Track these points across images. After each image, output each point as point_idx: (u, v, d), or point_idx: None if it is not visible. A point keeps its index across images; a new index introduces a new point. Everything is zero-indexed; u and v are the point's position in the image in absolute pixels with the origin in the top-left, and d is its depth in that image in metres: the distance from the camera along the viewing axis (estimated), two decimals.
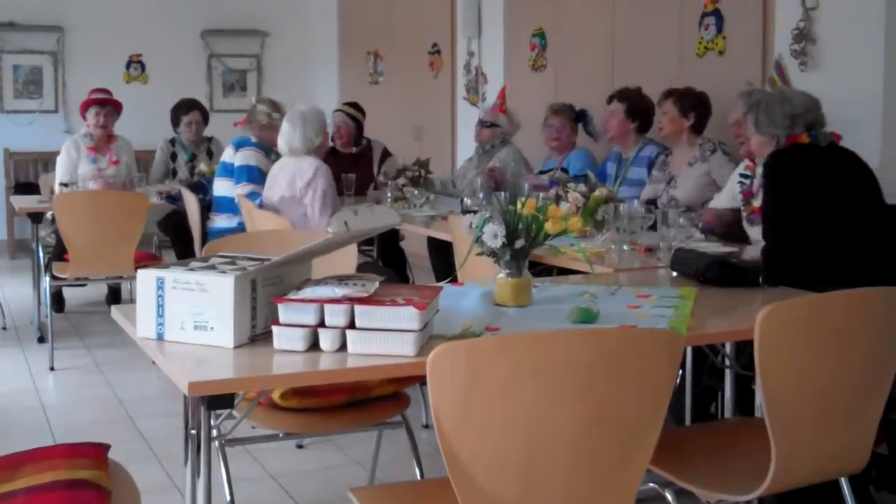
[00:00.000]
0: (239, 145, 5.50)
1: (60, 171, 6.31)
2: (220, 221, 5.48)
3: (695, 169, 4.71)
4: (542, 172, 5.72)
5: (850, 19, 4.48)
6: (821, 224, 3.19)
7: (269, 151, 5.45)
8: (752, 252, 3.48)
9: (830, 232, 3.19)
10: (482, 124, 6.11)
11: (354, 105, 6.70)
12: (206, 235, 5.49)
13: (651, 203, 4.19)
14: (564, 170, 5.56)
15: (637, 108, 5.27)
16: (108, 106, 6.42)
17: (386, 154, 6.60)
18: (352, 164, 6.34)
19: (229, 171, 5.46)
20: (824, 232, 3.19)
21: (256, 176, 5.28)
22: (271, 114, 5.58)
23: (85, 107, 6.43)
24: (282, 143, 5.02)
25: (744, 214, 4.01)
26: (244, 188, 5.29)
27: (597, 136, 5.81)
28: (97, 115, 6.36)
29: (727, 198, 4.26)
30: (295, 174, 4.91)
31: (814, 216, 3.19)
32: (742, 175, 4.17)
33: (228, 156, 5.54)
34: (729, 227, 4.07)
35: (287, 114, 5.10)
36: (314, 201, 4.84)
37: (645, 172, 5.13)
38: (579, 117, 5.80)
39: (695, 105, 4.82)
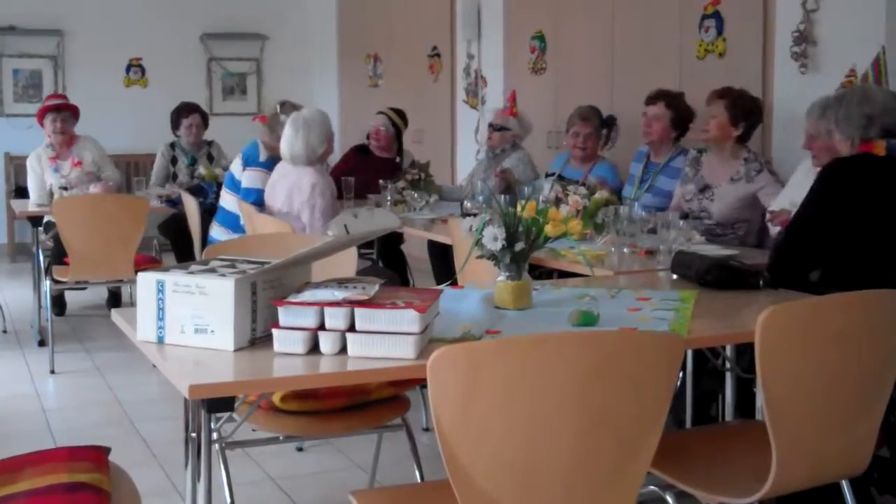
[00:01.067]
0: (247, 162, 5.40)
1: (33, 194, 6.26)
2: (220, 235, 5.40)
3: (737, 187, 4.44)
4: (549, 175, 5.62)
5: (851, 21, 4.49)
6: (856, 244, 3.08)
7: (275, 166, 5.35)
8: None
9: (864, 254, 3.09)
10: (492, 128, 6.04)
11: (399, 112, 6.58)
12: (206, 239, 5.48)
13: (684, 218, 3.97)
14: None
15: (682, 117, 5.02)
16: (63, 111, 6.36)
17: (413, 165, 6.52)
18: (383, 169, 6.18)
19: (236, 187, 5.39)
20: (857, 253, 3.09)
21: (262, 201, 5.20)
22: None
23: (41, 115, 6.36)
24: (284, 147, 4.94)
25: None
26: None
27: (614, 141, 5.59)
28: (54, 122, 6.29)
29: (788, 199, 4.08)
30: (293, 188, 4.85)
31: (851, 236, 3.08)
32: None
33: (237, 169, 5.42)
34: None
35: (291, 117, 4.99)
36: (312, 219, 4.80)
37: (674, 184, 4.86)
38: (606, 123, 5.53)
39: (748, 113, 4.50)
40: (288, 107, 5.47)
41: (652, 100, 5.04)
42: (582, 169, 5.47)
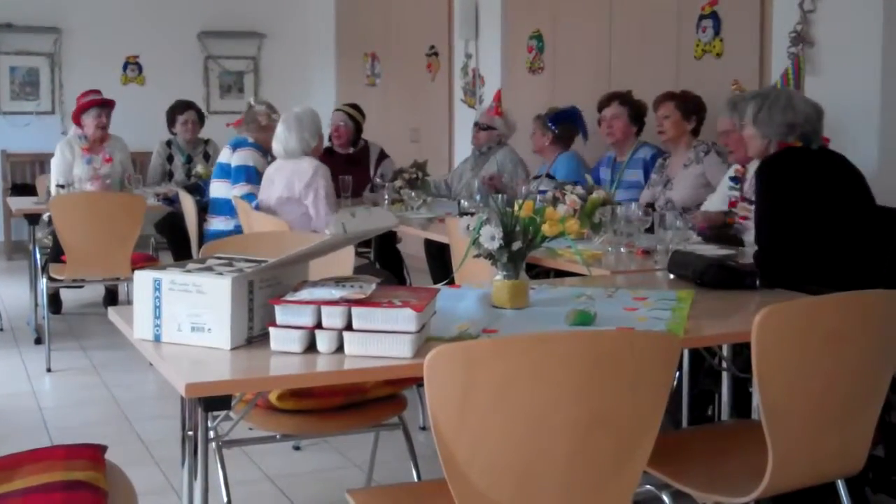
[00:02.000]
0: (236, 146, 5.49)
1: (56, 173, 6.28)
2: (216, 224, 5.47)
3: (690, 171, 4.75)
4: (536, 178, 5.70)
5: (848, 22, 4.49)
6: (813, 226, 3.18)
7: (267, 153, 5.43)
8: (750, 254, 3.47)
9: (823, 234, 3.19)
10: (478, 127, 6.13)
11: (355, 106, 6.68)
12: (202, 237, 5.49)
13: (650, 207, 4.19)
14: (551, 176, 5.48)
15: (638, 112, 5.29)
16: (107, 106, 6.39)
17: (383, 156, 6.60)
18: (348, 165, 6.32)
19: (226, 173, 5.45)
20: (817, 234, 3.18)
21: (254, 176, 5.28)
22: (270, 114, 5.55)
23: (83, 109, 6.36)
24: (277, 146, 5.00)
25: (735, 223, 4.03)
26: (241, 189, 5.29)
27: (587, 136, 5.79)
28: (99, 117, 6.30)
29: (719, 200, 4.28)
30: (293, 175, 4.90)
31: (806, 219, 3.18)
32: (731, 178, 4.19)
33: (225, 157, 5.52)
34: (720, 230, 4.07)
35: (281, 116, 5.08)
36: (317, 201, 4.83)
37: (640, 174, 5.14)
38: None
39: (696, 109, 4.86)
40: (263, 101, 5.63)
41: (605, 103, 5.32)
42: (547, 160, 5.71)
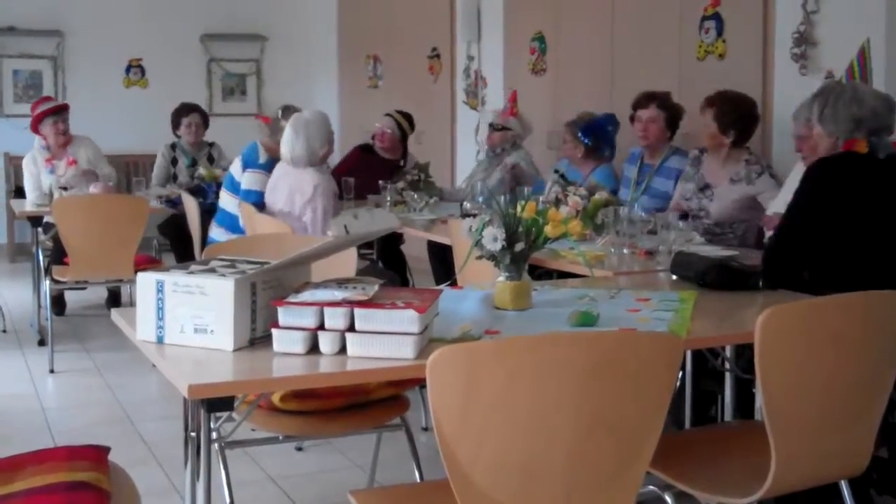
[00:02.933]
0: (246, 164, 5.39)
1: (29, 191, 6.24)
2: (220, 235, 5.40)
3: (737, 188, 4.47)
4: (555, 172, 5.61)
5: (851, 23, 4.49)
6: (845, 243, 3.08)
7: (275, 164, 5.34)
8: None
9: (853, 252, 3.08)
10: (492, 128, 6.05)
11: (407, 116, 6.56)
12: (206, 239, 5.48)
13: (683, 218, 3.99)
14: (563, 177, 5.39)
15: (676, 117, 5.05)
16: (63, 112, 6.35)
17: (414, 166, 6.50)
18: (385, 170, 6.15)
19: (235, 188, 5.39)
20: (846, 251, 3.08)
21: (261, 202, 5.19)
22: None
23: (38, 120, 6.30)
24: (284, 149, 4.93)
25: None
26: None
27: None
28: (56, 124, 6.26)
29: (783, 203, 4.11)
30: (295, 189, 4.86)
31: (836, 234, 3.07)
32: None
33: (236, 170, 5.42)
34: None
35: (291, 119, 4.99)
36: (315, 220, 4.81)
37: (670, 185, 4.90)
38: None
39: (736, 120, 4.50)
40: (290, 111, 5.46)
41: (643, 103, 5.07)
42: (582, 171, 5.50)
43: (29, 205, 6.15)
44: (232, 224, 5.30)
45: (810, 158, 3.81)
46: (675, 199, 4.72)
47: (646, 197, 4.94)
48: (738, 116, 4.51)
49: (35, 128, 6.36)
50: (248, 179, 5.31)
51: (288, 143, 4.92)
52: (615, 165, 5.58)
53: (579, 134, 5.50)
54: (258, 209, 5.01)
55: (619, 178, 5.44)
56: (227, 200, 5.43)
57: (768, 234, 4.00)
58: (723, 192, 4.50)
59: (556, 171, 5.43)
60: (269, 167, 5.24)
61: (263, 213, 4.95)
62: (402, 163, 6.40)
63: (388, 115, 6.57)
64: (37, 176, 6.30)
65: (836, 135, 3.22)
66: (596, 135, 5.51)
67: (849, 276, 3.05)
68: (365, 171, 6.04)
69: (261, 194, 5.17)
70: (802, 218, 3.13)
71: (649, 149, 5.11)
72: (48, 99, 6.53)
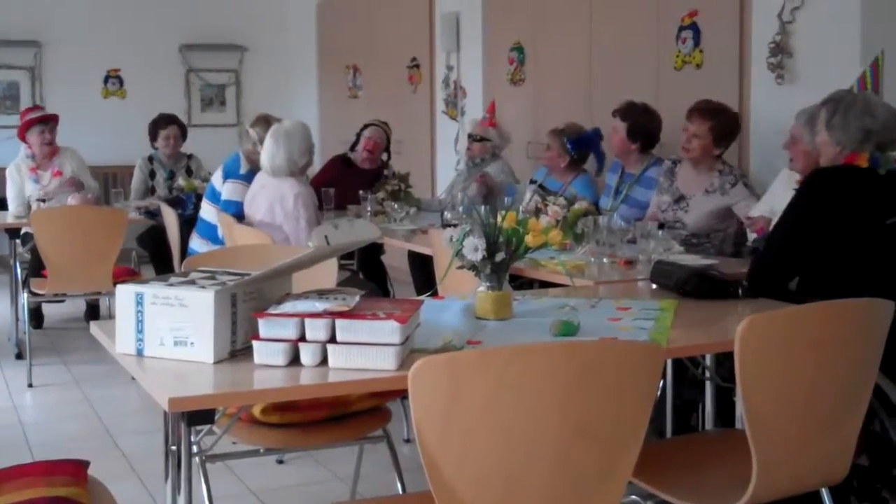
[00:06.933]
0: (227, 174, 5.37)
1: (12, 203, 6.20)
2: (200, 246, 5.37)
3: (712, 199, 4.50)
4: (532, 182, 5.64)
5: (827, 33, 4.53)
6: (837, 257, 3.05)
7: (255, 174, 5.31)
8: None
9: (844, 267, 3.06)
10: (472, 139, 6.07)
11: (386, 124, 6.52)
12: (185, 251, 5.45)
13: (660, 228, 3.96)
14: (542, 186, 5.39)
15: (639, 128, 5.02)
16: (51, 122, 6.33)
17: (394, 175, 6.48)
18: (364, 181, 6.10)
19: (217, 199, 5.37)
20: (838, 266, 3.06)
21: (242, 213, 5.17)
22: (256, 142, 5.36)
23: (26, 128, 6.27)
24: (264, 159, 4.90)
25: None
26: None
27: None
28: (42, 133, 6.23)
29: (768, 206, 4.10)
30: (275, 200, 4.83)
31: (833, 249, 3.05)
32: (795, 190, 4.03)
33: (217, 181, 5.40)
34: None
35: (272, 129, 4.96)
36: (296, 231, 4.78)
37: (650, 194, 4.88)
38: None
39: (730, 135, 4.55)
40: (261, 121, 5.44)
41: (613, 115, 5.08)
42: (561, 181, 5.51)
43: (10, 214, 6.11)
44: (213, 235, 5.28)
45: (797, 162, 3.83)
46: (650, 210, 4.74)
47: (626, 206, 4.96)
48: (731, 132, 4.59)
49: (22, 135, 6.34)
50: (228, 190, 5.29)
51: (268, 153, 4.89)
52: (594, 178, 5.60)
53: (568, 145, 5.48)
54: (238, 220, 4.99)
55: (598, 188, 5.46)
56: (208, 211, 5.40)
57: (751, 235, 4.02)
58: (698, 202, 4.53)
59: (534, 181, 5.44)
60: (249, 178, 5.20)
61: (244, 223, 4.94)
62: (385, 171, 6.37)
63: (373, 124, 6.52)
64: (20, 185, 6.26)
65: (844, 144, 3.15)
66: (582, 149, 5.52)
67: (836, 287, 3.04)
68: (345, 183, 6.03)
69: (240, 205, 5.14)
70: (795, 228, 3.11)
71: (620, 158, 5.14)
72: (39, 108, 6.50)
